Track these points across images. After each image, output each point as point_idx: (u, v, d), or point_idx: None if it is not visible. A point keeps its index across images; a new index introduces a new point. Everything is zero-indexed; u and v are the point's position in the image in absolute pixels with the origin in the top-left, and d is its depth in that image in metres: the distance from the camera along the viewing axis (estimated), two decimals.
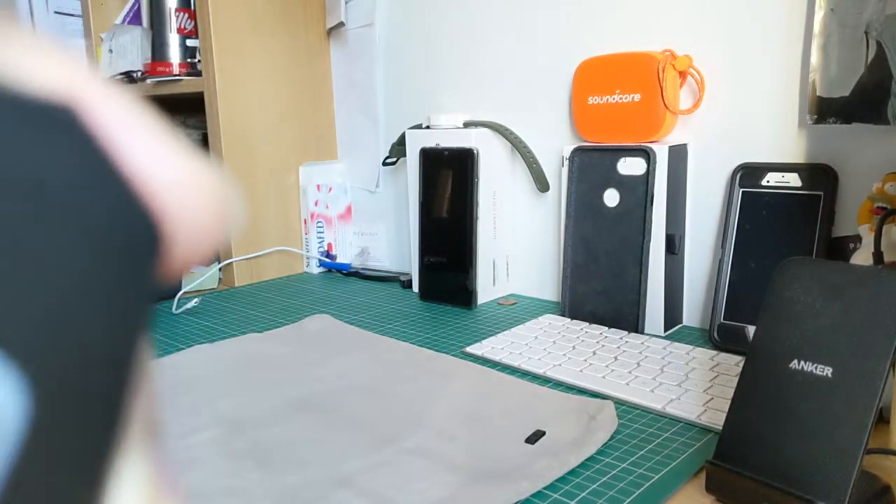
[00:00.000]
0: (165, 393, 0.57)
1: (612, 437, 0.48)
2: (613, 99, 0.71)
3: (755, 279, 0.63)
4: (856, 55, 0.58)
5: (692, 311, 0.72)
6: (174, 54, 0.98)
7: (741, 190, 0.65)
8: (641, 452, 0.46)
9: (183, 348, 0.69)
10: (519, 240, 0.87)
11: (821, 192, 0.61)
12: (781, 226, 0.63)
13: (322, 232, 1.04)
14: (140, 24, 1.04)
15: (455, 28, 0.90)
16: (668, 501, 0.41)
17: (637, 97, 0.69)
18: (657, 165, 0.67)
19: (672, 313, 0.70)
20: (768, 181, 0.64)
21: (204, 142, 1.03)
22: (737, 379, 0.39)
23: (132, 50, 1.03)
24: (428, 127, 0.86)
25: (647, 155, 0.67)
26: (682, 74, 0.69)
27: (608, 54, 0.72)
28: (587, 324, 0.71)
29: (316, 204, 1.04)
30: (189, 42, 0.98)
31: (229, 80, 0.94)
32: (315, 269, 1.04)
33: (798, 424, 0.36)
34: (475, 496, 0.40)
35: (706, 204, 0.70)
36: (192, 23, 0.97)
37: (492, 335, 0.69)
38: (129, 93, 0.12)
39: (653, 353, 0.62)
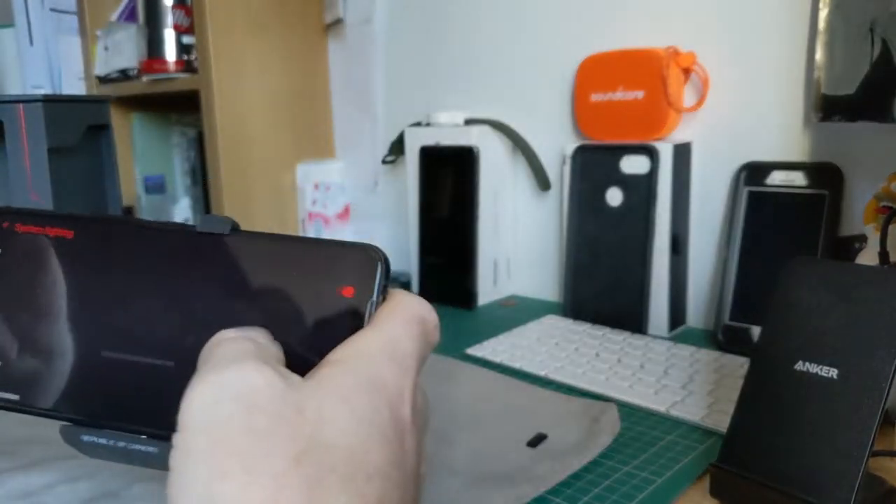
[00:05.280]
0: None
1: (615, 440, 0.47)
2: (616, 96, 0.70)
3: (760, 279, 0.63)
4: (861, 53, 0.57)
5: (696, 312, 0.72)
6: (170, 51, 0.97)
7: (746, 189, 0.65)
8: (645, 455, 0.45)
9: None
10: (520, 239, 0.86)
11: (826, 191, 0.60)
12: (786, 225, 0.62)
13: (320, 232, 1.03)
14: (135, 20, 1.03)
15: (455, 24, 0.89)
16: None
17: (640, 94, 0.68)
18: (661, 164, 0.66)
19: (676, 314, 0.70)
20: (773, 180, 0.63)
21: (199, 140, 1.02)
22: (742, 381, 0.39)
23: (127, 47, 1.02)
24: (428, 124, 0.85)
25: (651, 153, 0.67)
26: (686, 71, 0.69)
27: (611, 51, 0.71)
28: (590, 325, 0.71)
29: (313, 203, 1.03)
30: (185, 39, 0.97)
31: (225, 77, 0.93)
32: None
33: (803, 426, 0.35)
34: (476, 500, 0.39)
35: (710, 203, 0.70)
36: (188, 19, 0.96)
37: (493, 336, 0.69)
38: None
39: (656, 355, 0.62)
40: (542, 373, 0.59)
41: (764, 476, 0.36)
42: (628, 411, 0.52)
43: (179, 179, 1.19)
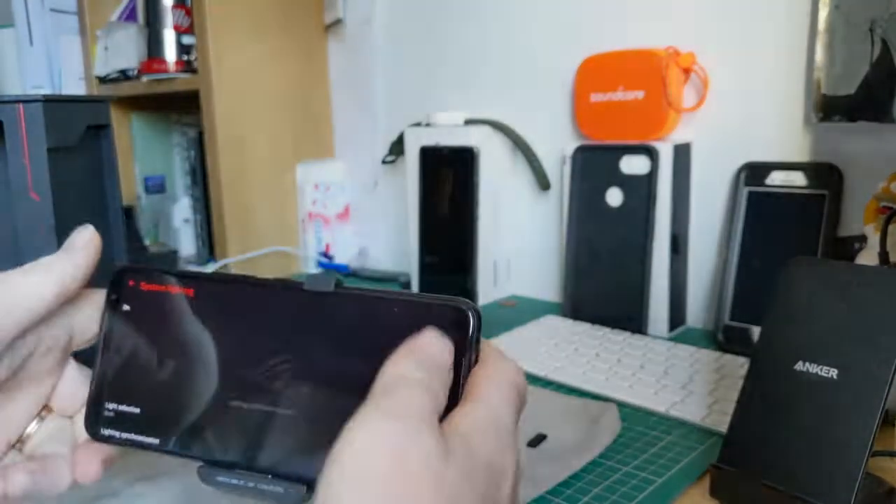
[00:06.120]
0: None
1: (615, 440, 0.47)
2: (616, 96, 0.70)
3: (760, 279, 0.63)
4: (861, 53, 0.57)
5: (696, 312, 0.72)
6: (170, 51, 0.97)
7: (746, 189, 0.65)
8: (645, 456, 0.45)
9: None
10: (520, 239, 0.86)
11: (826, 192, 0.60)
12: (786, 225, 0.62)
13: (320, 232, 1.03)
14: (136, 20, 1.03)
15: (455, 24, 0.89)
16: None
17: (640, 94, 0.68)
18: (661, 164, 0.66)
19: (676, 314, 0.70)
20: (773, 180, 0.63)
21: (199, 140, 1.02)
22: (742, 381, 0.39)
23: (127, 47, 1.02)
24: (428, 125, 0.85)
25: (651, 153, 0.67)
26: (686, 72, 0.69)
27: (611, 51, 0.71)
28: (590, 325, 0.71)
29: (313, 203, 1.03)
30: (185, 39, 0.97)
31: (225, 77, 0.93)
32: (313, 270, 1.03)
33: (803, 426, 0.35)
34: None
35: (710, 203, 0.70)
36: (188, 20, 0.96)
37: (493, 336, 0.69)
38: None
39: (657, 355, 0.62)
40: (542, 373, 0.59)
41: (764, 476, 0.36)
42: (628, 411, 0.52)
43: (179, 179, 1.19)
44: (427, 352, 0.23)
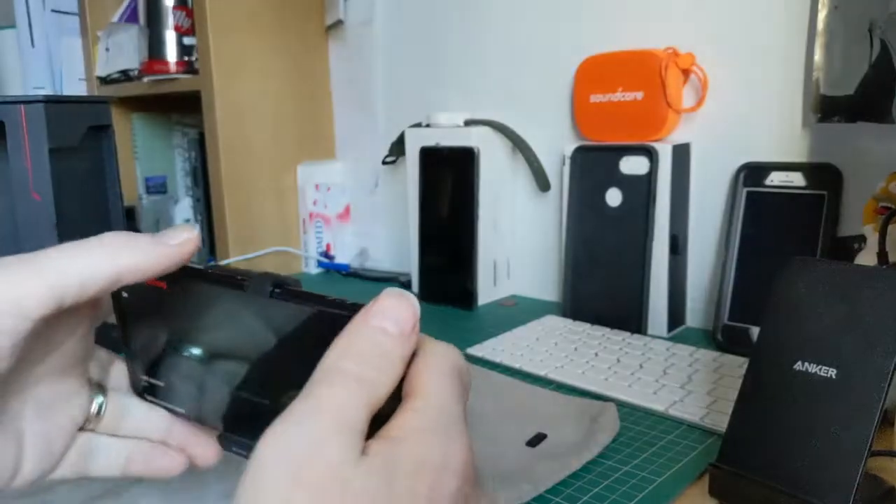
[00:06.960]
0: None
1: (614, 440, 0.47)
2: (616, 97, 0.70)
3: (759, 279, 0.63)
4: (860, 53, 0.58)
5: (696, 312, 0.72)
6: (171, 52, 0.97)
7: (745, 189, 0.65)
8: (644, 455, 0.45)
9: None
10: (520, 240, 0.86)
11: (825, 192, 0.61)
12: (785, 225, 0.62)
13: (320, 232, 1.04)
14: (137, 21, 1.03)
15: (455, 25, 0.89)
16: None
17: (640, 95, 0.68)
18: (660, 164, 0.66)
19: (675, 314, 0.70)
20: (772, 181, 0.63)
21: (200, 141, 1.02)
22: (740, 381, 0.39)
23: (129, 48, 1.03)
24: (428, 125, 0.86)
25: (650, 154, 0.67)
26: (685, 72, 0.69)
27: (610, 52, 0.72)
28: (589, 325, 0.71)
29: (314, 204, 1.03)
30: (186, 40, 0.97)
31: (226, 78, 0.93)
32: (313, 270, 1.03)
33: (802, 426, 0.35)
34: None
35: (709, 203, 0.70)
36: (189, 21, 0.96)
37: (493, 336, 0.69)
38: None
39: (656, 355, 0.62)
40: (541, 372, 0.59)
41: (763, 476, 0.36)
42: (627, 411, 0.52)
43: (181, 180, 1.19)
44: (376, 326, 0.22)
